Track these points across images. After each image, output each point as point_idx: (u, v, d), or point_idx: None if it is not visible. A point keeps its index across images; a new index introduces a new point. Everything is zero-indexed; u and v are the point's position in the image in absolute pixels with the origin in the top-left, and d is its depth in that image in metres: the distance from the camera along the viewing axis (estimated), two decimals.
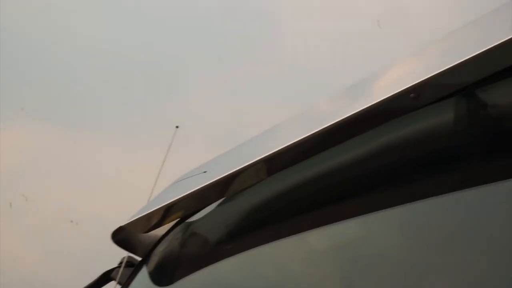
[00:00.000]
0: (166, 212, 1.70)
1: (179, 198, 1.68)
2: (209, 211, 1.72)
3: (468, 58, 1.27)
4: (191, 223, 1.82)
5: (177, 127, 2.10)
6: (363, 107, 1.28)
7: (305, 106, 1.87)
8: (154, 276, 1.79)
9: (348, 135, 1.35)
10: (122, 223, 1.74)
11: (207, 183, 1.60)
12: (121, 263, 1.79)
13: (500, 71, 1.32)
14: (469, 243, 1.24)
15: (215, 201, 1.67)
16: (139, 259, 1.82)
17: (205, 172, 1.78)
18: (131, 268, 1.78)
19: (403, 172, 1.36)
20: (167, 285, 1.76)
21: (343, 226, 1.47)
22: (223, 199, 1.72)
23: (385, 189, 1.38)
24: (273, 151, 1.52)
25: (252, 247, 1.60)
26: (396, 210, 1.37)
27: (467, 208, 1.27)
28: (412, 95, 1.23)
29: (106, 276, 1.85)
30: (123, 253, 1.81)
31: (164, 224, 1.78)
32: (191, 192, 1.66)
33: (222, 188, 1.63)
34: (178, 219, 1.79)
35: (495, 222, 1.23)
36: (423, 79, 1.20)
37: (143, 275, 1.76)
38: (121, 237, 1.77)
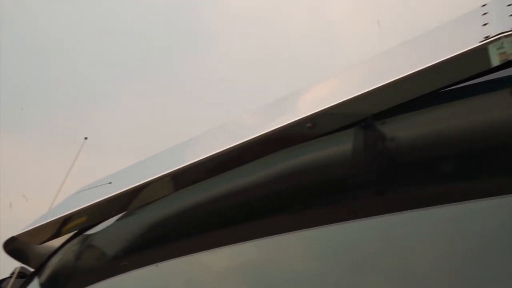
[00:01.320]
0: (63, 224, 1.66)
1: (78, 210, 1.65)
2: (109, 223, 1.70)
3: (366, 92, 1.30)
4: (90, 235, 1.79)
5: (85, 138, 2.08)
6: (261, 133, 1.29)
7: (218, 122, 1.87)
8: None
9: (247, 159, 1.36)
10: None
11: (110, 195, 1.58)
12: (13, 273, 1.75)
13: (399, 105, 1.36)
14: (358, 271, 1.26)
15: (116, 214, 1.65)
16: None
17: (110, 183, 1.76)
18: (23, 279, 1.74)
19: (298, 199, 1.37)
20: None
21: (240, 248, 1.47)
22: (125, 212, 1.70)
23: (279, 214, 1.39)
24: (179, 166, 1.51)
25: (149, 264, 1.58)
26: (290, 236, 1.39)
27: (357, 237, 1.29)
28: (308, 124, 1.25)
29: None
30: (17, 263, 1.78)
31: (60, 236, 1.74)
32: (92, 204, 1.63)
33: (125, 201, 1.61)
34: (76, 231, 1.76)
35: (383, 251, 1.26)
36: (319, 110, 1.22)
37: (33, 287, 1.72)
38: (13, 247, 1.73)
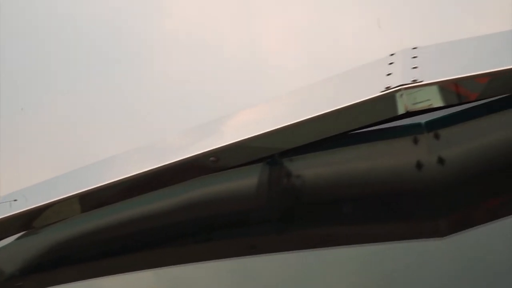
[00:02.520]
0: None
1: None
2: (7, 242, 1.68)
3: (275, 129, 1.33)
4: None
5: None
6: (166, 163, 1.31)
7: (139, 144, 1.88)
8: None
9: (151, 187, 1.37)
10: None
11: (9, 214, 1.57)
12: None
13: (308, 144, 1.39)
14: None
15: (16, 233, 1.64)
16: None
17: (15, 200, 1.75)
18: None
19: (200, 230, 1.39)
20: None
21: (140, 275, 1.48)
22: (26, 231, 1.69)
23: (181, 244, 1.41)
24: (85, 189, 1.52)
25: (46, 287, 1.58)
26: (192, 267, 1.41)
27: (256, 274, 1.32)
28: (212, 158, 1.27)
29: None
30: None
31: None
32: None
33: (27, 220, 1.61)
34: None
35: None
36: (223, 144, 1.25)
37: None
38: None
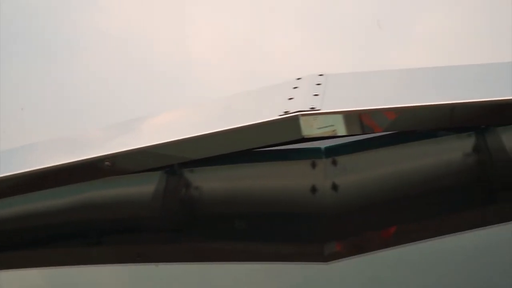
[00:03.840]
0: None
1: None
2: None
3: (176, 140, 1.34)
4: None
5: None
6: (62, 163, 1.31)
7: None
8: None
9: (44, 185, 1.36)
10: None
11: None
12: None
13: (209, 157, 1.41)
14: None
15: None
16: None
17: None
18: None
19: (91, 233, 1.39)
20: None
21: (30, 272, 1.47)
22: None
23: (72, 245, 1.41)
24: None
25: None
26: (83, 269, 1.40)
27: (138, 283, 1.32)
28: (107, 163, 1.28)
29: None
30: None
31: None
32: None
33: None
34: None
35: None
36: (117, 151, 1.26)
37: None
38: None
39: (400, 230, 1.33)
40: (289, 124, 1.24)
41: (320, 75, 1.44)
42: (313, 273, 1.30)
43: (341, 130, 1.31)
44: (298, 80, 1.42)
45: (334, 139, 1.50)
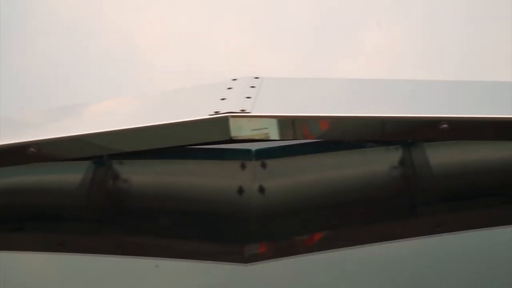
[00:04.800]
0: None
1: None
2: None
3: (104, 131, 1.33)
4: None
5: None
6: None
7: None
8: None
9: None
10: None
11: None
12: None
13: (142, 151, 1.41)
14: None
15: None
16: None
17: None
18: None
19: (12, 218, 1.38)
20: None
21: None
22: None
23: None
24: None
25: None
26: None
27: (56, 273, 1.31)
28: (32, 149, 1.26)
29: None
30: None
31: None
32: None
33: None
34: None
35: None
36: (42, 138, 1.24)
37: None
38: None
39: (321, 237, 1.35)
40: (218, 125, 1.25)
41: (256, 77, 1.46)
42: (232, 273, 1.31)
43: (274, 134, 1.33)
44: (233, 81, 1.43)
45: (269, 142, 1.52)
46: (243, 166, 1.48)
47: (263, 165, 1.48)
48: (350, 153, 1.49)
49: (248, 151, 1.51)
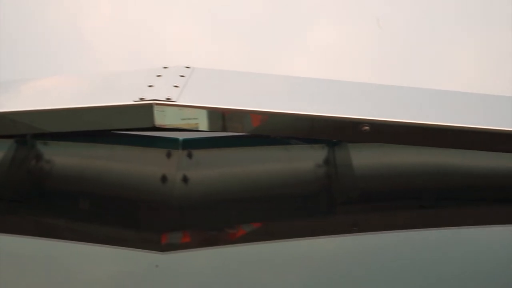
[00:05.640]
0: None
1: None
2: None
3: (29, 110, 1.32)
4: None
5: None
6: None
7: None
8: None
9: None
10: None
11: None
12: None
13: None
14: None
15: None
16: None
17: None
18: None
19: None
20: None
21: None
22: None
23: None
24: None
25: None
26: None
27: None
28: None
29: None
30: None
31: None
32: None
33: None
34: None
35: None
36: None
37: None
38: None
39: (240, 230, 1.36)
40: (142, 111, 1.25)
41: (187, 67, 1.46)
42: (148, 261, 1.31)
43: (203, 125, 1.33)
44: (163, 69, 1.43)
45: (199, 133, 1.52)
46: (169, 155, 1.48)
47: (189, 155, 1.49)
48: (275, 148, 1.50)
49: (175, 140, 1.51)
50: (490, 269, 1.21)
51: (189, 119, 1.30)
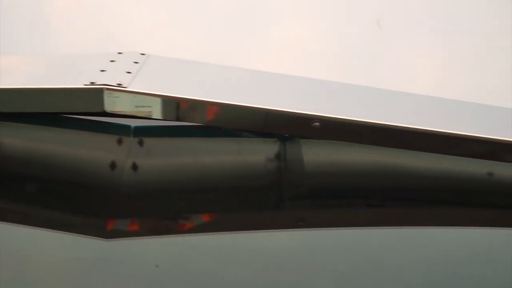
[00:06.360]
0: None
1: None
2: None
3: None
4: None
5: None
6: None
7: None
8: None
9: None
10: None
11: None
12: None
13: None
14: None
15: None
16: None
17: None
18: None
19: None
20: None
21: None
22: None
23: None
24: None
25: None
26: None
27: None
28: None
29: None
30: None
31: None
32: None
33: None
34: None
35: None
36: None
37: None
38: None
39: (185, 220, 1.35)
40: (92, 96, 1.24)
41: (142, 54, 1.45)
42: (92, 247, 1.30)
43: (156, 113, 1.32)
44: (118, 55, 1.41)
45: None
46: (119, 141, 1.46)
47: (140, 143, 1.47)
48: (228, 141, 1.49)
49: (127, 127, 1.50)
50: (431, 268, 1.23)
51: (143, 106, 1.29)
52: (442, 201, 1.38)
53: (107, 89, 1.22)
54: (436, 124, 1.36)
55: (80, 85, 1.22)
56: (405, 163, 1.41)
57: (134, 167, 1.41)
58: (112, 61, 1.38)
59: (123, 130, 1.49)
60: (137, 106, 1.28)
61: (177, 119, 1.34)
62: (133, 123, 1.54)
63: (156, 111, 1.29)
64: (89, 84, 1.23)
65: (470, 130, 1.36)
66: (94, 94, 1.23)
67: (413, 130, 1.26)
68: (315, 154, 1.47)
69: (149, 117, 1.34)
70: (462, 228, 1.40)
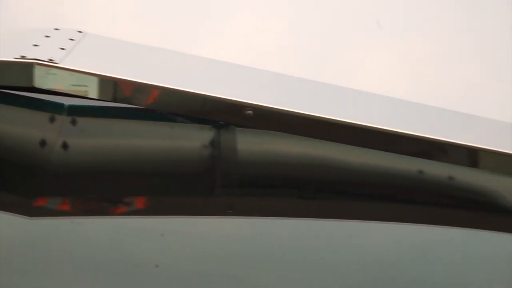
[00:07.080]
0: None
1: None
2: None
3: None
4: None
5: None
6: None
7: None
8: None
9: None
10: None
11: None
12: None
13: None
14: None
15: None
16: None
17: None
18: None
19: None
20: None
21: None
22: None
23: None
24: None
25: None
26: None
27: None
28: None
29: None
30: None
31: None
32: None
33: None
34: None
35: None
36: None
37: None
38: None
39: (112, 201, 1.34)
40: (21, 70, 1.21)
41: (79, 31, 1.42)
42: (17, 225, 1.28)
43: (92, 92, 1.30)
44: (54, 30, 1.38)
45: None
46: (52, 119, 1.44)
47: (73, 122, 1.44)
48: (163, 125, 1.47)
49: (60, 105, 1.46)
50: (359, 261, 1.23)
51: (79, 85, 1.26)
52: (373, 196, 1.39)
53: (38, 63, 1.19)
54: (371, 120, 1.37)
55: (10, 58, 1.20)
56: (338, 157, 1.41)
57: (65, 146, 1.38)
58: (47, 36, 1.34)
59: (56, 108, 1.46)
60: (73, 85, 1.26)
61: (114, 100, 1.32)
62: (67, 101, 1.52)
63: (92, 91, 1.27)
64: (20, 57, 1.20)
65: (404, 128, 1.37)
66: (24, 68, 1.19)
67: (345, 124, 1.26)
68: (249, 143, 1.46)
69: (85, 96, 1.32)
70: (392, 223, 1.41)
